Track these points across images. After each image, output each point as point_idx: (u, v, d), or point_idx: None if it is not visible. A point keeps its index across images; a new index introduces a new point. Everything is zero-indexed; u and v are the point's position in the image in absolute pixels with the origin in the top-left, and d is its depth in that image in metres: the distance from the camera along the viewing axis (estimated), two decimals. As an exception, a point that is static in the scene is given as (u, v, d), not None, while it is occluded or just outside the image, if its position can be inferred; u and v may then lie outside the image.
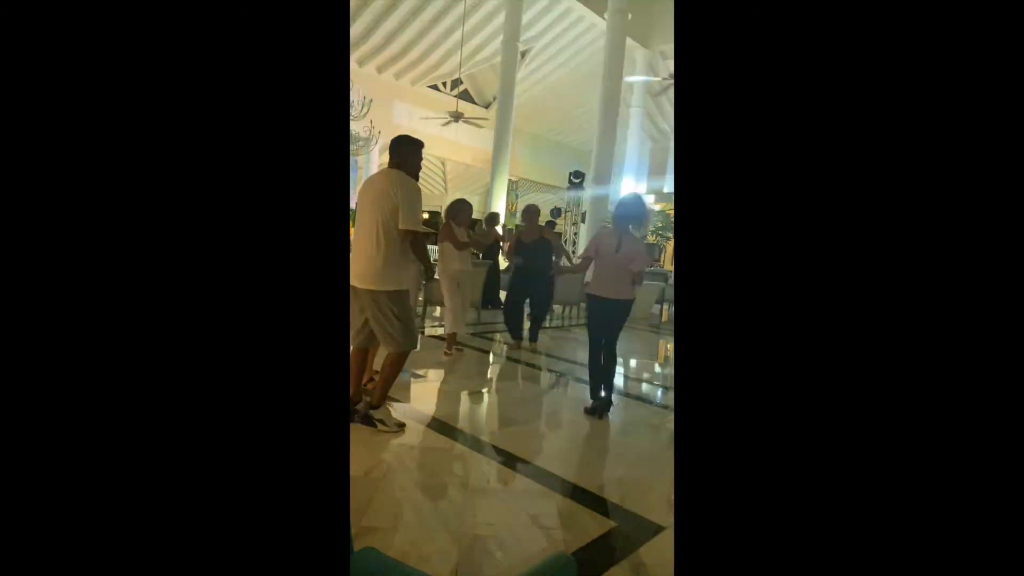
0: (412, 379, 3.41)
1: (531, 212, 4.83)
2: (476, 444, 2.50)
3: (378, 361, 2.75)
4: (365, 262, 2.35)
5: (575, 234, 13.32)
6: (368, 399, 2.51)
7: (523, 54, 11.03)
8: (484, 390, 3.53)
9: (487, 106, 13.39)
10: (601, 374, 3.02)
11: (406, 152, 2.42)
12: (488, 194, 9.15)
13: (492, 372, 4.10)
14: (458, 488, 2.03)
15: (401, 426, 2.49)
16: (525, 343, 4.72)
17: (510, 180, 10.78)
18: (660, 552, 1.70)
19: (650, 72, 10.80)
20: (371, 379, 2.79)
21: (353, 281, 2.37)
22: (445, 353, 4.08)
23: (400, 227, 2.32)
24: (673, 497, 2.11)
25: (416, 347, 2.48)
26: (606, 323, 3.01)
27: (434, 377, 3.62)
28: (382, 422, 2.45)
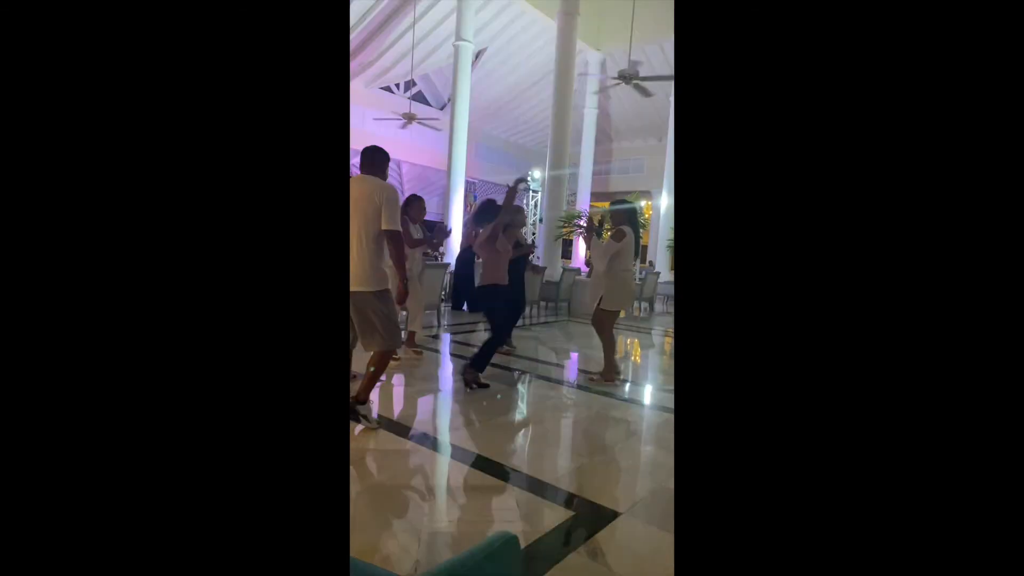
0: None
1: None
2: (435, 443, 2.51)
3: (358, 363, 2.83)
4: (351, 264, 2.44)
5: (534, 235, 13.40)
6: (352, 396, 2.58)
7: (476, 56, 11.05)
8: (443, 390, 3.54)
9: (442, 108, 13.33)
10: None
11: (380, 162, 2.58)
12: (445, 195, 9.12)
13: (451, 372, 4.11)
14: (419, 488, 2.04)
15: (379, 424, 2.62)
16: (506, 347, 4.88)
17: (467, 181, 10.78)
18: (615, 537, 1.76)
19: (601, 73, 11.02)
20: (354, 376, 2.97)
21: None
22: (415, 352, 4.11)
23: (383, 228, 2.43)
24: (630, 486, 2.19)
25: (399, 345, 2.60)
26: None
27: (393, 380, 3.60)
28: (365, 418, 2.56)
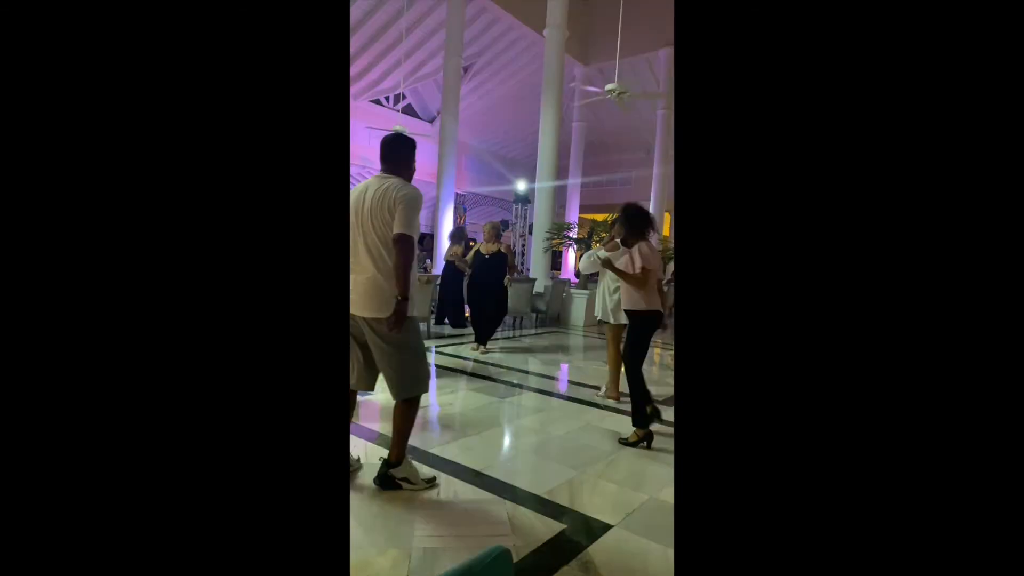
0: (360, 398, 3.35)
1: (491, 227, 5.41)
2: (426, 457, 2.49)
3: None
4: (365, 284, 1.96)
5: (523, 246, 13.44)
6: (381, 458, 2.15)
7: (465, 69, 11.15)
8: (432, 403, 3.51)
9: (432, 120, 13.40)
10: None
11: (404, 155, 2.09)
12: (436, 208, 9.13)
13: (441, 385, 4.08)
14: (408, 502, 2.01)
15: (431, 481, 2.15)
16: (482, 347, 5.25)
17: (457, 194, 10.81)
18: (607, 549, 1.75)
19: (589, 88, 11.16)
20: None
21: (352, 309, 1.98)
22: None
23: (394, 231, 1.93)
24: (623, 497, 2.18)
25: (426, 390, 2.12)
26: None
27: (378, 395, 3.57)
28: (407, 480, 2.08)
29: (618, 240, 3.02)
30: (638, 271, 2.80)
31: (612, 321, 3.57)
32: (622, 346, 3.04)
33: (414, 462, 2.18)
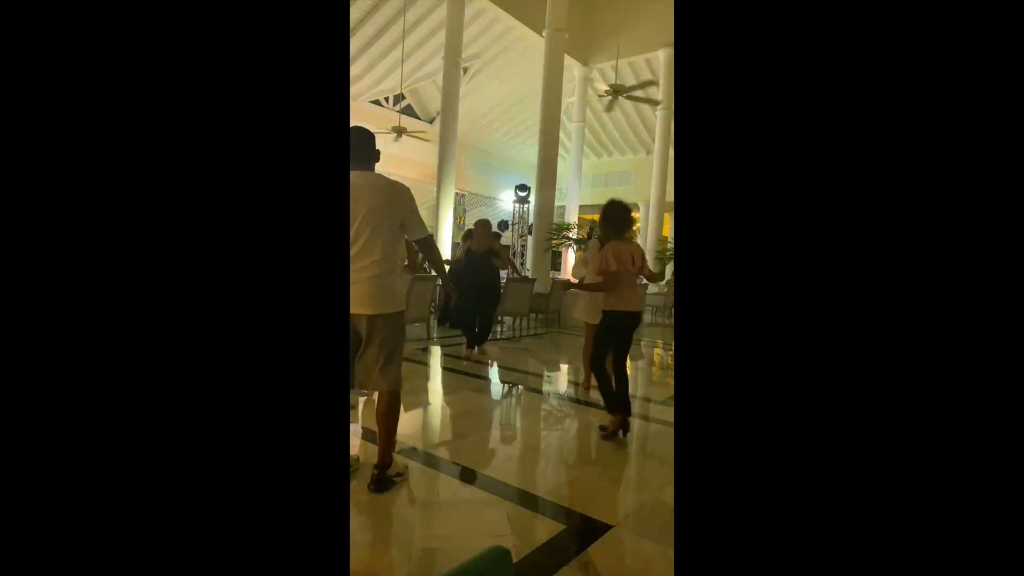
0: (361, 398, 3.35)
1: (482, 225, 5.30)
2: (425, 458, 2.49)
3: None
4: (368, 282, 1.97)
5: (523, 246, 13.44)
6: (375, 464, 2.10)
7: (465, 70, 11.15)
8: (432, 403, 3.51)
9: (431, 121, 13.41)
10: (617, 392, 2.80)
11: (373, 147, 2.09)
12: (435, 208, 9.13)
13: (441, 385, 4.08)
14: (408, 502, 2.02)
15: (406, 467, 2.23)
16: (474, 350, 5.11)
17: (456, 194, 10.81)
18: (607, 550, 1.75)
19: (589, 89, 11.17)
20: None
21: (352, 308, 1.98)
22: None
23: (417, 236, 2.10)
24: (623, 498, 2.18)
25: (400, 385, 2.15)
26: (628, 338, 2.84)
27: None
28: (399, 474, 2.15)
29: (589, 243, 3.00)
30: (601, 273, 2.71)
31: (586, 320, 3.65)
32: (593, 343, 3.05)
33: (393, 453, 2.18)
